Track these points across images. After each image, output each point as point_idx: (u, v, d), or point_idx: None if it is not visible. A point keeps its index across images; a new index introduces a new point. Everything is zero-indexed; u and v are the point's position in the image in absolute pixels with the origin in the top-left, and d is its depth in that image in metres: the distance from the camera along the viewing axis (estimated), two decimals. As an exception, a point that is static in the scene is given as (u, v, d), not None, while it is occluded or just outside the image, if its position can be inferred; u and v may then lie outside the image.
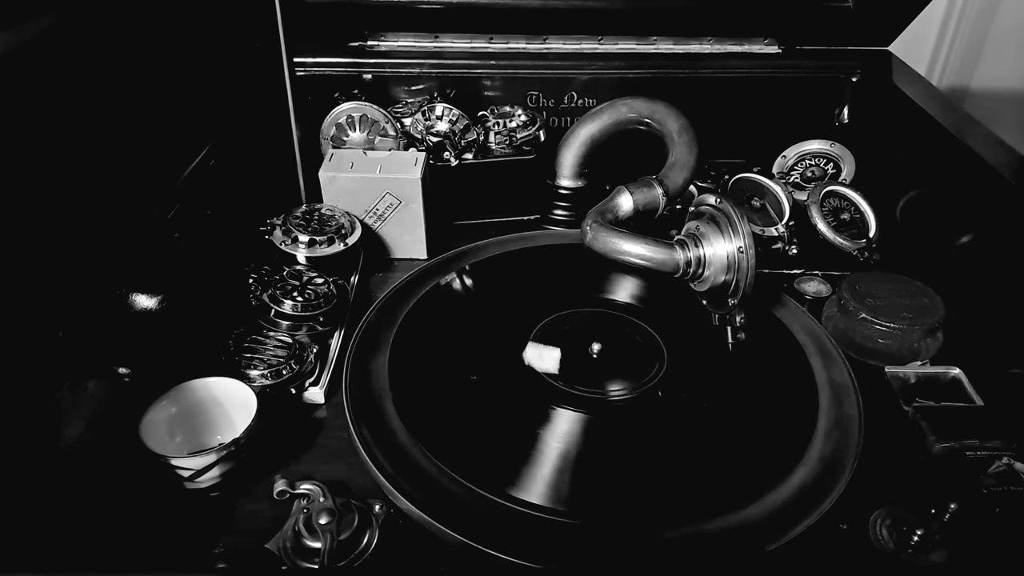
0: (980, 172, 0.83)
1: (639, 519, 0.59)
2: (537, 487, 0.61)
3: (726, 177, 1.02)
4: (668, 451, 0.67)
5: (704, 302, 0.79)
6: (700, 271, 0.76)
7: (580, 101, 1.08)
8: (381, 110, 0.98)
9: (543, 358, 0.72)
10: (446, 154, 0.94)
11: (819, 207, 0.94)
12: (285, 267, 0.80)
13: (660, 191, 0.84)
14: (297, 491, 0.57)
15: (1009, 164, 0.81)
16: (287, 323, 0.75)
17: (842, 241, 0.92)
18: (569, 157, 0.96)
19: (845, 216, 0.95)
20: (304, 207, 0.87)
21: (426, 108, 0.98)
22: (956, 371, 0.72)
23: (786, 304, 0.82)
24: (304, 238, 0.82)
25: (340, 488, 0.61)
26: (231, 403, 0.67)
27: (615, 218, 0.83)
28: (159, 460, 0.60)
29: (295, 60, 0.88)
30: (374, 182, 0.87)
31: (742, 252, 0.72)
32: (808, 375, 0.73)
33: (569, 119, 1.09)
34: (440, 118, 0.97)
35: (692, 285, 0.79)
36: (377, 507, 0.58)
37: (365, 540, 0.56)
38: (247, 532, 0.59)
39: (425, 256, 0.92)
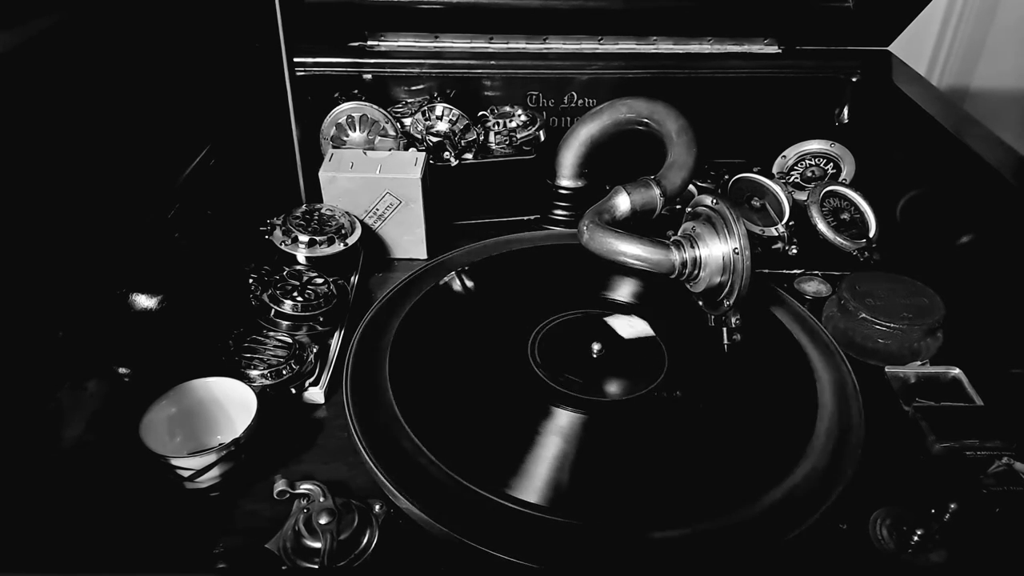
0: (980, 172, 0.83)
1: (638, 519, 0.59)
2: (536, 487, 0.61)
3: (726, 177, 1.02)
4: (667, 451, 0.66)
5: (700, 303, 0.79)
6: (696, 272, 0.76)
7: (580, 101, 1.08)
8: (381, 110, 0.98)
9: (632, 326, 0.76)
10: (446, 154, 0.94)
11: (819, 207, 0.94)
12: (285, 267, 0.80)
13: (658, 191, 0.84)
14: (297, 491, 0.57)
15: (1009, 164, 0.81)
16: (287, 323, 0.75)
17: (842, 241, 0.92)
18: (569, 157, 0.96)
19: (845, 216, 0.95)
20: (304, 207, 0.87)
21: (426, 108, 0.98)
22: (956, 371, 0.72)
23: (784, 302, 0.82)
24: (304, 238, 0.82)
25: (340, 488, 0.61)
26: (231, 403, 0.67)
27: (612, 218, 0.83)
28: (159, 460, 0.60)
29: (295, 60, 0.88)
30: (374, 182, 0.88)
31: (737, 253, 0.72)
32: (808, 375, 0.73)
33: (569, 119, 1.09)
34: (440, 118, 0.97)
35: (688, 286, 0.79)
36: (377, 507, 0.58)
37: (365, 540, 0.56)
38: (247, 532, 0.59)
39: (425, 256, 0.92)
